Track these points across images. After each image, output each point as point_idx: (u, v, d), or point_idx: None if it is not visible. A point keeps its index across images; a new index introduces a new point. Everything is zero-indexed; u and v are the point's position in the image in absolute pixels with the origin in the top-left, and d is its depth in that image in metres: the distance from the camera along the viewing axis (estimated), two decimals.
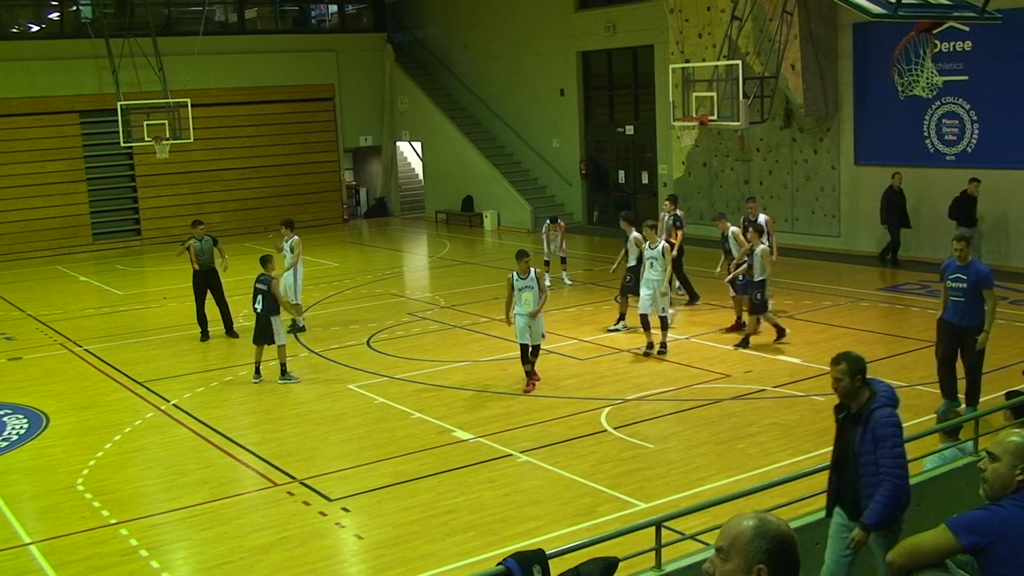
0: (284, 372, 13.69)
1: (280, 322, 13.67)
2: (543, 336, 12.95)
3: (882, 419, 5.74)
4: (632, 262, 15.08)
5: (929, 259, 19.50)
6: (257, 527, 9.03)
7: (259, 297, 13.54)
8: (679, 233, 16.87)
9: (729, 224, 15.80)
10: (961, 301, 10.55)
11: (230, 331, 16.58)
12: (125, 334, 17.22)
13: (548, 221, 19.58)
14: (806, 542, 6.02)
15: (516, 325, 12.74)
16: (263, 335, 13.58)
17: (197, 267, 16.63)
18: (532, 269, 12.71)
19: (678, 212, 17.33)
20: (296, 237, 16.55)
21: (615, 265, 16.21)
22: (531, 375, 12.83)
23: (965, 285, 10.51)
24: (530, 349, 12.80)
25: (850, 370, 5.79)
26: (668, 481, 9.70)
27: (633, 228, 15.16)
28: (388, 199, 33.26)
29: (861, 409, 5.82)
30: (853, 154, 21.25)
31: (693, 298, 17.12)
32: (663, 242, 14.42)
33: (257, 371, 13.73)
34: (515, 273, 12.74)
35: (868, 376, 5.93)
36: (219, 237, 27.89)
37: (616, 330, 15.52)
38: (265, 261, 13.90)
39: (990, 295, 10.57)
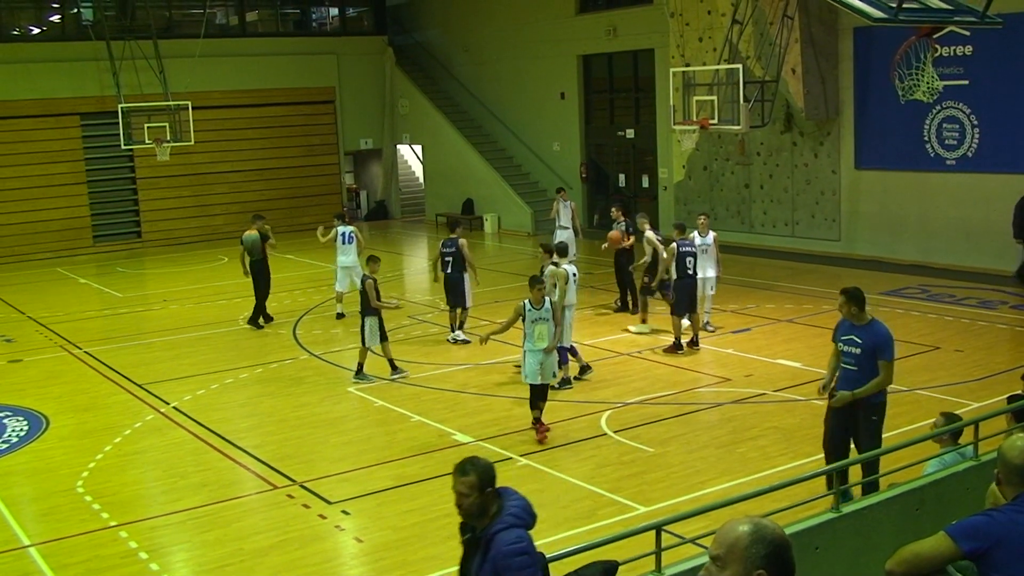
0: (359, 371, 13.65)
1: (370, 324, 13.44)
2: (555, 375, 11.51)
3: (506, 545, 4.47)
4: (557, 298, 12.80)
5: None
6: (257, 530, 9.03)
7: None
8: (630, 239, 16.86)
9: (648, 226, 15.88)
10: (853, 370, 8.40)
11: (256, 322, 17.40)
12: (125, 336, 17.22)
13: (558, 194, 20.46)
14: (806, 546, 6.01)
15: (526, 364, 11.17)
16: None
17: (251, 258, 17.52)
18: (547, 298, 11.35)
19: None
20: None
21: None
22: (540, 423, 11.17)
23: (859, 350, 8.37)
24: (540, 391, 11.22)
25: (480, 482, 4.57)
26: (668, 485, 9.70)
27: (552, 257, 13.47)
28: (389, 202, 33.27)
29: (485, 529, 4.59)
30: (854, 158, 21.25)
31: (624, 307, 17.13)
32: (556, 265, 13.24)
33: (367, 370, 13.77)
34: (527, 302, 11.19)
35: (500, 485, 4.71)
36: (220, 239, 28.27)
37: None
38: (369, 261, 14.13)
39: (886, 368, 8.34)
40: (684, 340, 14.44)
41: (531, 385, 11.12)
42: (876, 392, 8.40)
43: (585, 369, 13.34)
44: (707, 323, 15.49)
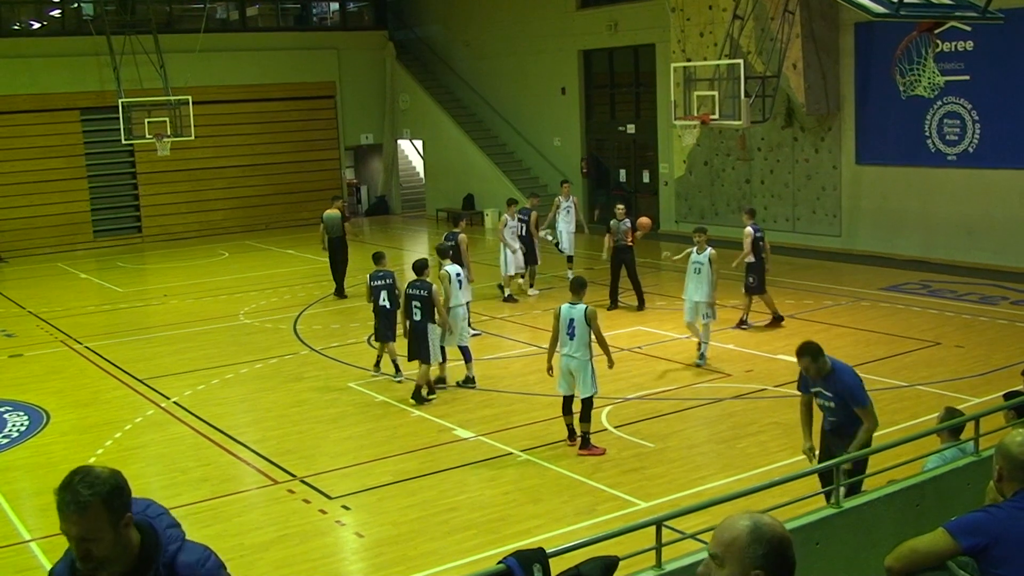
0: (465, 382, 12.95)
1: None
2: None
3: (204, 567, 3.25)
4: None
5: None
6: (257, 525, 9.04)
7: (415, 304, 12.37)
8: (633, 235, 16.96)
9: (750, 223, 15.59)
10: (833, 420, 8.11)
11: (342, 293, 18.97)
12: (126, 331, 17.22)
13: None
14: (806, 541, 6.01)
15: (595, 374, 10.50)
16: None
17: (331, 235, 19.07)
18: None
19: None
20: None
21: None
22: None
23: (833, 403, 8.02)
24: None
25: (110, 513, 3.05)
26: (668, 480, 9.71)
27: (446, 262, 13.57)
28: (389, 197, 33.26)
29: (148, 566, 3.17)
30: (854, 154, 21.24)
31: (615, 305, 17.16)
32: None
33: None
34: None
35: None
36: (220, 234, 28.28)
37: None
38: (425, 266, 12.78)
39: (866, 415, 7.83)
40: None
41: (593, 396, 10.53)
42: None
43: (467, 380, 12.98)
44: (701, 358, 13.60)
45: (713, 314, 13.64)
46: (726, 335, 15.04)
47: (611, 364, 10.58)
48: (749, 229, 15.26)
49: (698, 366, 13.44)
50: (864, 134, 21.01)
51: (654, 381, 12.95)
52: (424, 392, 12.44)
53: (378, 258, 13.84)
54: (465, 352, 13.01)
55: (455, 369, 13.21)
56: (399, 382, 13.23)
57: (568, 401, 10.59)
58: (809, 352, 8.01)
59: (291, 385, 13.54)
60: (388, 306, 13.27)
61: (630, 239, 16.76)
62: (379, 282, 13.39)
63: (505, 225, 18.24)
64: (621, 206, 17.38)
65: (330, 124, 31.29)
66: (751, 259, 15.22)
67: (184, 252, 26.18)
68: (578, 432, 10.54)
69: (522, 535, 8.44)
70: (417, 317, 12.28)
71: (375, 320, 13.58)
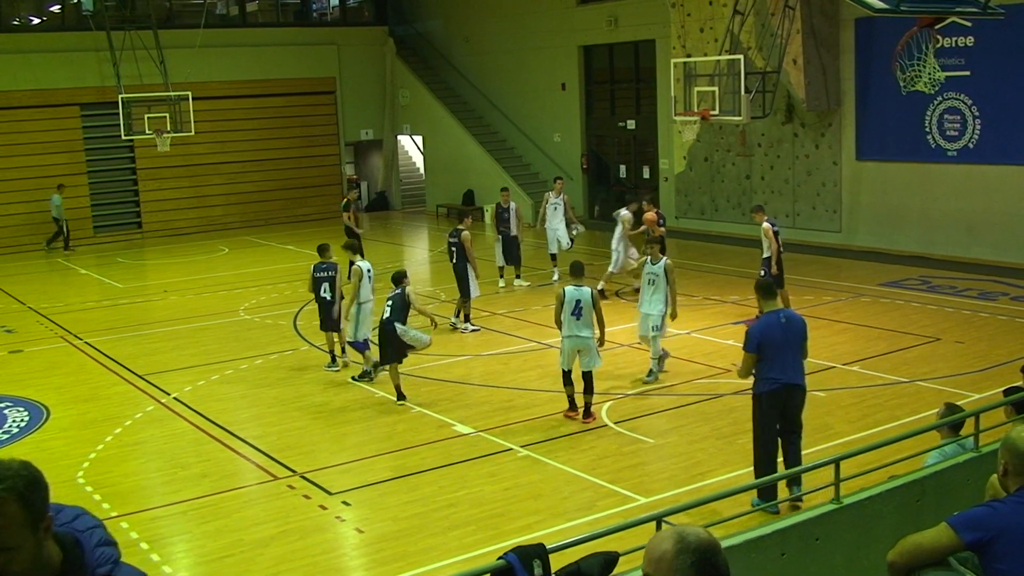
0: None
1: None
2: None
3: None
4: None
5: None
6: (257, 520, 9.04)
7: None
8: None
9: (765, 218, 15.43)
10: None
11: None
12: (126, 327, 17.22)
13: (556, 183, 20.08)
14: (806, 537, 6.02)
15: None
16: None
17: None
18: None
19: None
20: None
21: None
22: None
23: None
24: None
25: (28, 511, 2.42)
26: (669, 476, 9.71)
27: (357, 257, 13.89)
28: (389, 193, 33.25)
29: None
30: (855, 149, 21.23)
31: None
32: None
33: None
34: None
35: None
36: (220, 230, 28.28)
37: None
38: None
39: (742, 358, 9.16)
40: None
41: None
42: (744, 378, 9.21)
43: (370, 372, 13.20)
44: (650, 374, 12.69)
45: (662, 327, 12.62)
46: (726, 331, 15.05)
47: (602, 342, 11.35)
48: (767, 225, 15.14)
49: (645, 382, 12.60)
50: (864, 130, 21.00)
51: None
52: (370, 370, 13.04)
53: (322, 250, 14.01)
54: (360, 346, 13.36)
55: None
56: (335, 371, 13.66)
57: (569, 374, 11.27)
58: (756, 287, 9.48)
59: (291, 381, 13.54)
60: (328, 298, 13.60)
61: (656, 232, 16.57)
62: (321, 274, 13.70)
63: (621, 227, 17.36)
64: (645, 202, 17.44)
65: (330, 120, 31.28)
66: (767, 254, 15.18)
67: (184, 248, 26.17)
68: (580, 405, 11.28)
69: (522, 531, 8.44)
70: (386, 315, 12.26)
71: (319, 311, 13.83)
